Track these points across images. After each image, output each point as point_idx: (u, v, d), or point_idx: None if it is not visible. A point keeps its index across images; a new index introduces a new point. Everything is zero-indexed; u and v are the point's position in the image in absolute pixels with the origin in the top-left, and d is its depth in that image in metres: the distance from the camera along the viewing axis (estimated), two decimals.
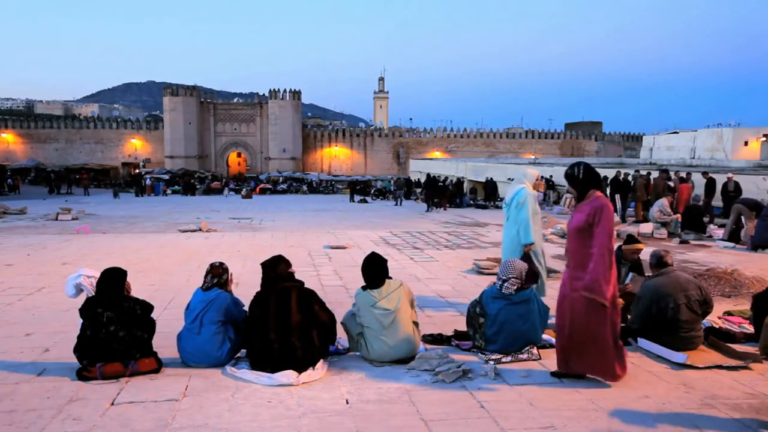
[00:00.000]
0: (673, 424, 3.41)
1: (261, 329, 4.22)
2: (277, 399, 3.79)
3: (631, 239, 5.93)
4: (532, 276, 5.51)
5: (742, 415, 3.52)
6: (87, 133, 63.08)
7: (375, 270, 4.56)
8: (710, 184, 16.55)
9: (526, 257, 5.89)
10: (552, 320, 5.43)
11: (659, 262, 4.93)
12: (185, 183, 44.35)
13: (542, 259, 6.22)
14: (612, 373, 3.96)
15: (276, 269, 4.37)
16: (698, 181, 17.26)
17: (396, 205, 28.51)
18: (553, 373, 4.18)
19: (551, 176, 26.11)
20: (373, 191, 40.95)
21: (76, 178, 45.37)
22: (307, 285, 4.50)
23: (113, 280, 4.28)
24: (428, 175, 29.26)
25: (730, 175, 16.36)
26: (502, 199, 28.88)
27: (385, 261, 4.64)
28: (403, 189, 31.40)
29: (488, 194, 27.48)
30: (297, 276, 4.53)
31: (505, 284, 4.65)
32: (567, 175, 4.03)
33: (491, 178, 28.54)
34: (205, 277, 4.58)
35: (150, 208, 24.73)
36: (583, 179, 3.96)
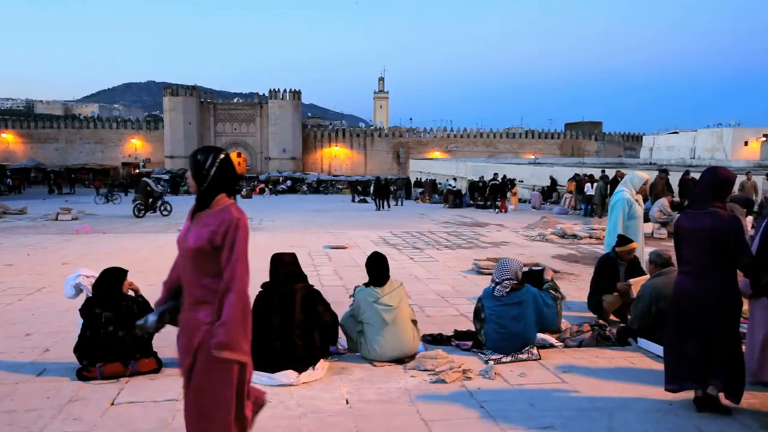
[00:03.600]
0: (673, 425, 3.41)
1: (263, 327, 4.22)
2: (277, 399, 3.78)
3: (623, 240, 5.89)
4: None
5: (743, 415, 3.52)
6: (87, 133, 63.08)
7: (381, 268, 4.61)
8: (687, 183, 17.30)
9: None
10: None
11: (666, 262, 4.92)
12: (172, 183, 44.13)
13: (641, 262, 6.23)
14: None
15: (285, 266, 4.38)
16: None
17: (396, 205, 28.52)
18: None
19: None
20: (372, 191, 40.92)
21: (78, 178, 45.28)
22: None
23: (109, 280, 4.28)
24: (378, 178, 29.84)
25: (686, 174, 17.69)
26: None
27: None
28: (403, 189, 31.48)
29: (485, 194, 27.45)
30: None
31: (498, 287, 4.63)
32: (194, 162, 2.67)
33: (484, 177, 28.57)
34: None
35: None
36: (215, 174, 2.65)
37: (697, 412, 3.54)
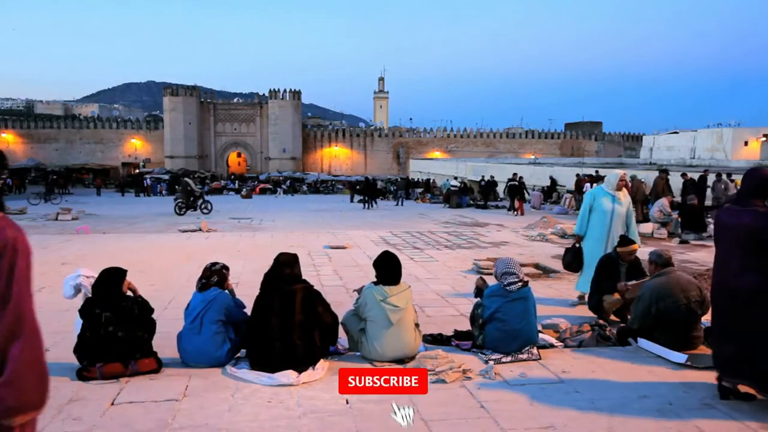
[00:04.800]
0: (673, 425, 3.41)
1: (263, 327, 4.22)
2: (277, 399, 3.78)
3: (625, 240, 5.90)
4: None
5: (743, 415, 3.52)
6: (87, 133, 63.12)
7: (395, 267, 4.65)
8: (686, 184, 17.40)
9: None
10: (551, 320, 5.46)
11: (667, 262, 4.92)
12: (171, 183, 43.85)
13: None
14: None
15: (283, 267, 4.38)
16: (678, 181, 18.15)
17: (396, 205, 28.54)
18: None
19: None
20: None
21: (78, 179, 45.28)
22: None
23: (108, 279, 4.28)
24: (366, 178, 30.36)
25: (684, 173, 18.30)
26: (502, 199, 28.99)
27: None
28: (404, 189, 31.54)
29: (485, 194, 27.50)
30: None
31: (512, 285, 4.65)
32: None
33: (488, 177, 28.59)
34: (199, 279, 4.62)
35: (150, 208, 24.72)
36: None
37: (720, 399, 3.71)
